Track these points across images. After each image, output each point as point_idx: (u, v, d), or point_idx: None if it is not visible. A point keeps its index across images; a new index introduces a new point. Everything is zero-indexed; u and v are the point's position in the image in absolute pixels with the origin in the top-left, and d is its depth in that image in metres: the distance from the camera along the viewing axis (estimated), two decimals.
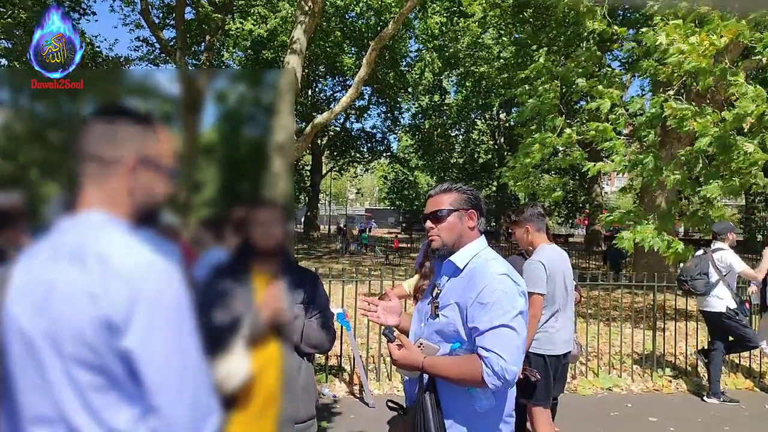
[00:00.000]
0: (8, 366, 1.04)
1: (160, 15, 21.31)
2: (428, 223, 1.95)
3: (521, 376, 3.25)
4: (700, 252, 5.57)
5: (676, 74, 6.80)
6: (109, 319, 0.98)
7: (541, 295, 3.33)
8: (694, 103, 7.26)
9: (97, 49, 21.73)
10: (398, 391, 5.31)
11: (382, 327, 1.97)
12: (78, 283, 1.00)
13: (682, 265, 6.18)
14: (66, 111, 1.65)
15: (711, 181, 6.88)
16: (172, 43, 19.15)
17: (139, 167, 1.13)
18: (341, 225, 34.07)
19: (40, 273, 1.03)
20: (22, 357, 1.03)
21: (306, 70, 20.79)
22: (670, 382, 5.89)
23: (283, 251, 2.01)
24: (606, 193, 37.94)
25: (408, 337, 2.00)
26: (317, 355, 5.91)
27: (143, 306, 0.99)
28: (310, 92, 29.04)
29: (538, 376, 3.32)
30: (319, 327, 2.21)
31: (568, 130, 8.06)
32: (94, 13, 20.74)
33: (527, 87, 9.38)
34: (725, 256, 5.33)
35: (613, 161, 7.94)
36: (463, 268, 1.88)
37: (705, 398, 5.39)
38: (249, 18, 19.26)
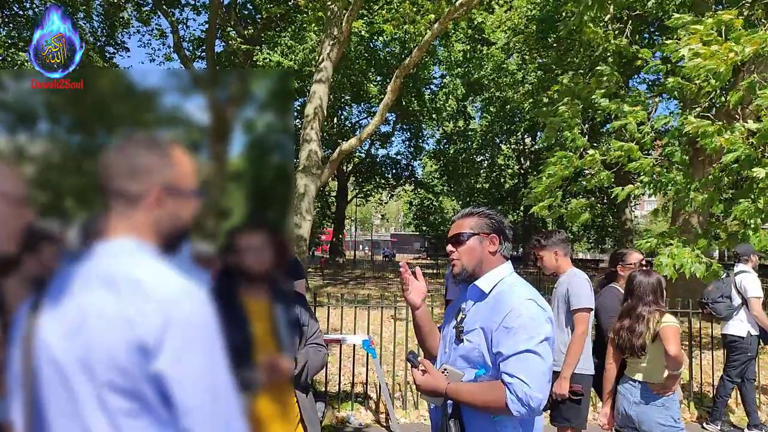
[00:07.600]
0: (39, 392, 1.05)
1: (191, 48, 22.05)
2: (449, 247, 1.94)
3: (563, 395, 3.20)
4: (724, 275, 5.41)
5: (703, 91, 6.56)
6: (143, 343, 0.98)
7: (590, 311, 3.31)
8: (724, 121, 7.05)
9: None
10: (425, 419, 5.21)
11: (407, 352, 1.96)
12: (111, 308, 1.00)
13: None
14: (101, 142, 1.69)
15: (740, 200, 6.60)
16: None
17: (163, 196, 1.14)
18: None
19: (73, 299, 1.04)
20: (53, 383, 1.03)
21: (332, 98, 21.16)
22: (709, 413, 5.62)
23: (271, 276, 2.01)
24: (636, 216, 37.15)
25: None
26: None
27: (175, 329, 0.99)
28: (335, 120, 29.47)
29: (582, 394, 3.26)
30: (315, 352, 2.25)
31: (591, 151, 7.90)
32: (127, 49, 21.57)
33: (550, 108, 9.29)
34: (745, 279, 5.15)
35: (641, 182, 7.75)
36: (489, 293, 1.85)
37: (704, 425, 5.26)
38: (276, 49, 19.78)
